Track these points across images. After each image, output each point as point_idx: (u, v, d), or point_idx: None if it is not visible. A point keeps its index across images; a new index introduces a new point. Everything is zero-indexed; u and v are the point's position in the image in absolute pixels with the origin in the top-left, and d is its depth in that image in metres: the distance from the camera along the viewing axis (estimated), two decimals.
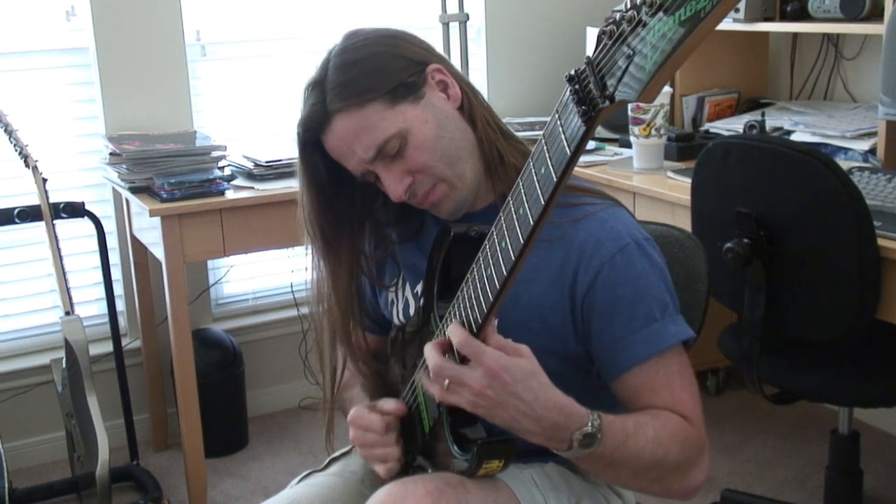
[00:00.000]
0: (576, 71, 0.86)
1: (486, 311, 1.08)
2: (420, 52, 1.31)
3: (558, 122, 0.91)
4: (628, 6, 0.79)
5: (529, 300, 1.28)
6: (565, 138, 0.89)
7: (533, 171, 0.96)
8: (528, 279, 1.27)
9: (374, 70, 1.25)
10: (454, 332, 1.10)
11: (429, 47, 1.34)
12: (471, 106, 1.32)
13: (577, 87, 0.86)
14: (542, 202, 0.94)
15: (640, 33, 0.77)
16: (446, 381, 1.11)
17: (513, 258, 1.01)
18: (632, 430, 1.17)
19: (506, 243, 1.02)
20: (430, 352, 1.13)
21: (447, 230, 1.22)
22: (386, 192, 1.31)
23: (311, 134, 1.29)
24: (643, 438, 1.18)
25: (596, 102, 0.84)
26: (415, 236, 1.42)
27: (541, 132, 0.96)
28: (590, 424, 1.12)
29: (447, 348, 1.13)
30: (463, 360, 1.11)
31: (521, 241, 0.99)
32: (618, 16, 0.79)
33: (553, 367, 1.13)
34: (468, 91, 1.33)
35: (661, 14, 0.75)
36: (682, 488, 1.25)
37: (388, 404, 1.32)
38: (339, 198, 1.36)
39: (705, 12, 0.71)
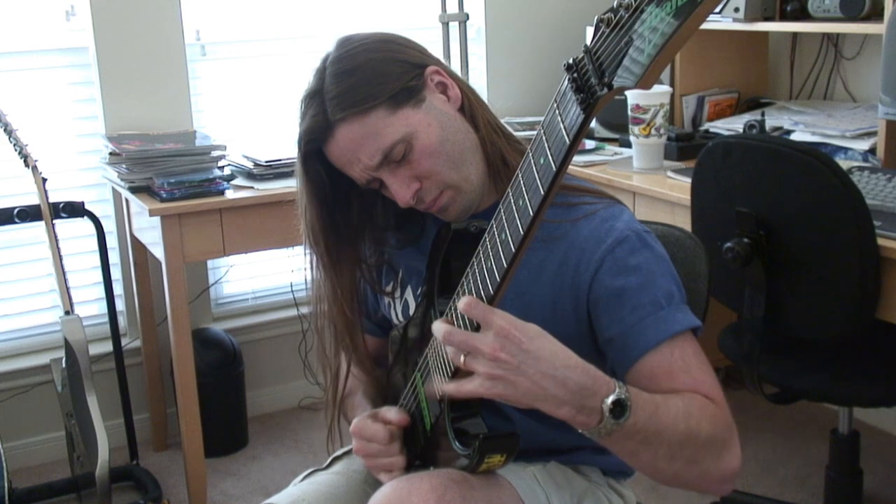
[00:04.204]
0: (574, 59, 0.86)
1: (486, 304, 1.07)
2: (416, 54, 1.30)
3: (557, 112, 0.91)
4: None
5: (532, 300, 1.28)
6: (564, 127, 0.89)
7: (532, 161, 0.96)
8: (530, 281, 1.26)
9: (373, 76, 1.24)
10: (461, 302, 1.05)
11: (423, 49, 1.33)
12: (471, 107, 1.31)
13: (575, 75, 0.86)
14: (542, 192, 0.94)
15: (638, 19, 0.77)
16: (462, 357, 1.06)
17: (513, 250, 1.01)
18: (660, 400, 1.12)
19: (506, 235, 1.02)
20: (438, 324, 1.09)
21: (447, 227, 1.22)
22: (393, 198, 1.30)
23: (314, 145, 1.28)
24: (674, 408, 1.12)
25: (594, 90, 0.84)
26: (416, 241, 1.42)
27: None
28: (617, 389, 1.06)
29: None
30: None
31: (521, 233, 0.99)
32: (616, 3, 0.79)
33: None
34: (467, 92, 1.32)
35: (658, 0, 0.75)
36: (719, 472, 1.18)
37: (391, 414, 1.32)
38: (339, 209, 1.36)
39: None
